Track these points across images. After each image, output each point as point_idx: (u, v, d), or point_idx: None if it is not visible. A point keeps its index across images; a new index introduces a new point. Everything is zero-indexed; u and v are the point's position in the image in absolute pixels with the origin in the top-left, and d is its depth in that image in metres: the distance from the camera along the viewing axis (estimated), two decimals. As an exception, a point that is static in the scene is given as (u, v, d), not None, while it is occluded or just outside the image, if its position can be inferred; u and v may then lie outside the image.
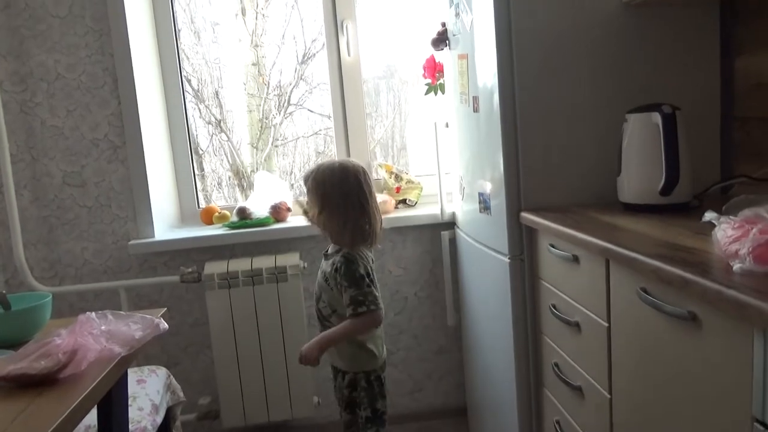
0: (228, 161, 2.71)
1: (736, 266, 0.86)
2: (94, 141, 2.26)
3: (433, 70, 2.33)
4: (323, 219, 1.68)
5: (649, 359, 1.06)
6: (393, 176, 2.43)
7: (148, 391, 1.71)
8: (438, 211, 2.26)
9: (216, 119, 2.67)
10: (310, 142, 2.72)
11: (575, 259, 1.34)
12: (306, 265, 2.27)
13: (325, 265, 1.73)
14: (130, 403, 1.54)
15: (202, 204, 2.54)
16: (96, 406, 1.31)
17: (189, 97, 2.54)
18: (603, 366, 1.23)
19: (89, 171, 2.27)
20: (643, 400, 1.10)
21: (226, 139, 2.69)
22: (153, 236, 2.27)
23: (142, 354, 2.24)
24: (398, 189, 2.40)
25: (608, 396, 1.23)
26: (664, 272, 0.94)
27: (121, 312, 1.29)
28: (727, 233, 0.91)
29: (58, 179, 2.27)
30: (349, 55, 2.44)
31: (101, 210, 2.29)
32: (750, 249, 0.85)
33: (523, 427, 1.72)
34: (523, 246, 1.65)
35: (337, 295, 1.67)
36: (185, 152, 2.48)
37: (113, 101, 2.24)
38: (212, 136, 2.67)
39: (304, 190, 1.73)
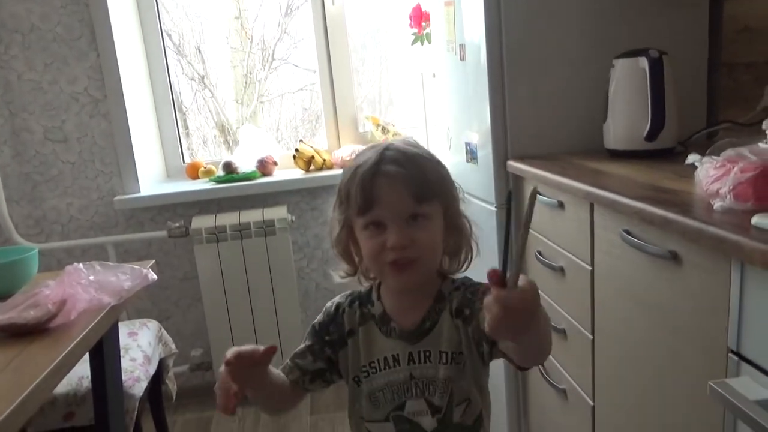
0: (213, 118, 2.67)
1: (717, 204, 0.87)
2: (74, 95, 2.21)
3: (420, 19, 2.29)
4: (452, 237, 0.90)
5: (631, 299, 1.09)
6: (380, 129, 2.41)
7: (140, 343, 1.73)
8: (425, 163, 2.25)
9: (199, 75, 2.61)
10: (296, 99, 2.67)
11: (560, 205, 1.35)
12: (294, 218, 2.27)
13: (434, 338, 0.87)
14: (122, 354, 1.56)
15: (188, 160, 2.51)
16: (88, 356, 1.33)
17: (170, 53, 2.47)
18: (586, 308, 1.26)
19: (70, 126, 2.23)
20: (624, 338, 1.13)
21: (210, 95, 2.65)
22: (138, 191, 2.25)
23: (131, 305, 2.26)
24: (385, 141, 2.38)
25: (590, 336, 1.26)
26: (647, 213, 0.96)
27: (109, 263, 1.29)
28: (709, 173, 0.92)
29: (39, 135, 2.22)
30: (333, 4, 2.38)
31: (85, 165, 2.26)
32: (731, 187, 0.86)
33: (508, 370, 1.76)
34: (510, 197, 1.65)
35: (469, 368, 0.86)
36: (168, 106, 2.43)
37: (91, 54, 2.18)
38: (196, 92, 2.62)
39: (412, 193, 0.83)
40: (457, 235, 0.89)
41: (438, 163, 0.89)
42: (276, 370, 0.90)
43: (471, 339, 0.84)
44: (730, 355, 0.81)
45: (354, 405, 0.91)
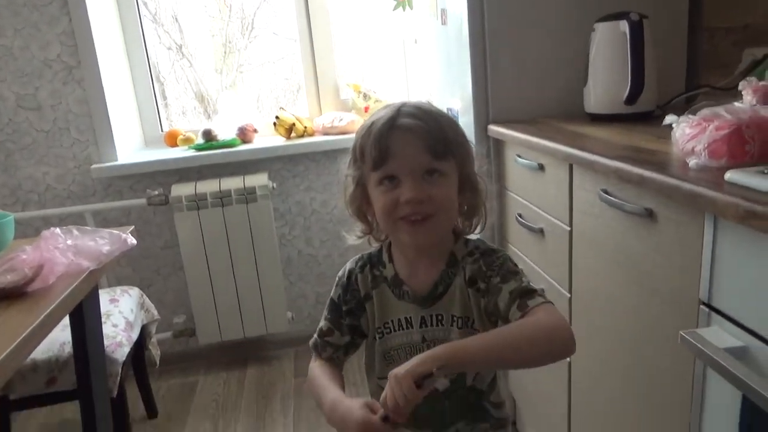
0: (192, 88, 2.62)
1: (692, 162, 0.89)
2: (47, 62, 2.15)
3: (401, -18, 2.25)
4: (467, 198, 0.88)
5: (608, 257, 1.11)
6: (361, 95, 2.39)
7: (122, 309, 1.72)
8: (407, 130, 2.25)
9: (176, 44, 2.55)
10: (277, 69, 2.63)
11: (540, 167, 1.36)
12: (275, 185, 2.26)
13: (447, 302, 0.87)
14: (104, 320, 1.56)
15: (166, 129, 2.47)
16: (69, 322, 1.33)
17: (146, 22, 2.41)
18: (564, 268, 1.28)
19: (44, 93, 2.17)
20: (600, 294, 1.16)
21: (189, 65, 2.59)
22: (116, 159, 2.22)
23: (112, 273, 2.25)
24: (366, 108, 2.37)
25: (568, 295, 1.29)
26: (624, 172, 0.97)
27: (87, 227, 1.28)
28: (685, 132, 0.93)
29: (12, 102, 2.17)
30: (313, -34, 2.33)
31: (60, 133, 2.21)
32: (706, 145, 0.87)
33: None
34: (491, 159, 1.66)
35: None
36: (145, 74, 2.38)
37: (63, 18, 2.11)
38: (173, 62, 2.57)
39: (429, 147, 0.81)
40: (472, 195, 0.87)
41: (454, 121, 0.88)
42: (331, 384, 0.88)
43: (483, 311, 0.84)
44: (701, 306, 0.83)
45: (371, 362, 0.93)
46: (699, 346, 0.75)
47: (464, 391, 0.88)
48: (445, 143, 0.82)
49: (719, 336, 0.77)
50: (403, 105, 0.84)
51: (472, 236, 0.91)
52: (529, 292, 0.80)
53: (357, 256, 0.94)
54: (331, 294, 0.94)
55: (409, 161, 0.80)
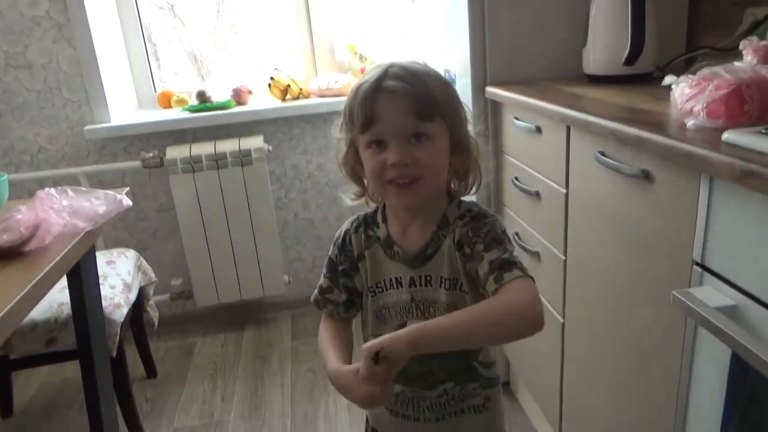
0: (184, 49, 2.57)
1: (690, 123, 0.88)
2: (35, 19, 2.10)
3: (398, -61, 2.19)
4: (459, 159, 0.87)
5: (603, 219, 1.11)
6: (358, 57, 2.35)
7: (119, 271, 1.73)
8: (404, 92, 2.22)
9: (168, 3, 2.49)
10: (272, 29, 2.57)
11: (538, 129, 1.35)
12: (270, 148, 2.24)
13: (436, 264, 0.87)
14: (101, 282, 1.57)
15: (159, 90, 2.43)
16: (67, 282, 1.33)
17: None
18: (560, 230, 1.29)
19: (34, 51, 2.13)
20: (594, 256, 1.17)
21: (181, 25, 2.53)
22: (109, 121, 2.19)
23: (108, 236, 2.25)
24: (363, 70, 2.33)
25: (563, 258, 1.30)
26: (621, 133, 0.96)
27: (82, 188, 1.27)
28: (684, 92, 0.92)
29: (1, 61, 2.13)
30: None
31: (51, 93, 2.18)
32: (704, 105, 0.87)
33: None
34: (488, 121, 1.65)
35: (471, 297, 0.86)
36: (136, 32, 2.34)
37: (51, -27, 2.06)
38: (166, 22, 2.51)
39: (417, 108, 0.80)
40: (464, 157, 0.87)
41: (444, 81, 0.86)
42: (331, 350, 0.87)
43: (468, 275, 0.85)
44: (694, 266, 0.84)
45: (365, 318, 0.94)
46: (690, 305, 0.76)
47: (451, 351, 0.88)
48: (433, 105, 0.81)
49: (711, 295, 0.78)
50: (391, 66, 0.82)
51: (468, 198, 0.92)
52: (508, 264, 0.79)
53: (353, 217, 0.95)
54: (329, 253, 0.96)
55: (395, 124, 0.80)
